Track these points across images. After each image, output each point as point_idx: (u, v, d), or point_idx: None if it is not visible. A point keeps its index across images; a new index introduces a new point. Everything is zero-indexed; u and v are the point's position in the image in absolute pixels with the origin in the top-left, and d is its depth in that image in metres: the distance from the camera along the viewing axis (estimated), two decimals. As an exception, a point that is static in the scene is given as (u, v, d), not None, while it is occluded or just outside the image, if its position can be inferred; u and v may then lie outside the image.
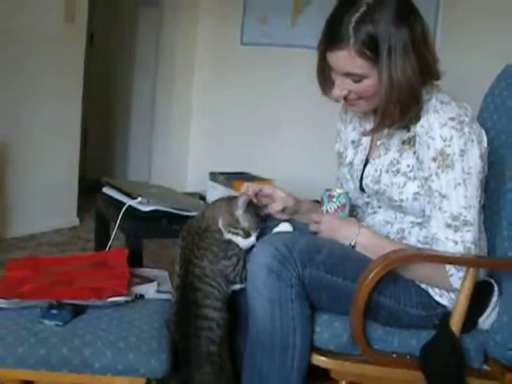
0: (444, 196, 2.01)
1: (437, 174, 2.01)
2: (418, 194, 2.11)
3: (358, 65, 2.01)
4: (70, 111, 5.18)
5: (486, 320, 2.11)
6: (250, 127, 5.36)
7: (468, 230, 2.01)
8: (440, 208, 2.02)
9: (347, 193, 2.26)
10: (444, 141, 1.99)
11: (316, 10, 4.84)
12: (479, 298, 2.07)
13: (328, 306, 2.12)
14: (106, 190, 3.24)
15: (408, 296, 2.10)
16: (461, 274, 2.01)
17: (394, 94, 2.02)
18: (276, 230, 2.23)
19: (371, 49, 1.98)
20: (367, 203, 2.35)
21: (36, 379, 2.03)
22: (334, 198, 2.23)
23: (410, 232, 2.19)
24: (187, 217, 2.63)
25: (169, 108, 5.67)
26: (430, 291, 2.11)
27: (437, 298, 2.11)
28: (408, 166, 2.12)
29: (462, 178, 2.00)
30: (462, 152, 1.99)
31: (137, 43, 6.42)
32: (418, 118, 2.08)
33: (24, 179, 4.88)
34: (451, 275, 2.02)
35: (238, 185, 3.26)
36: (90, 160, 6.39)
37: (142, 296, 2.28)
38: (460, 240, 2.01)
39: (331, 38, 2.04)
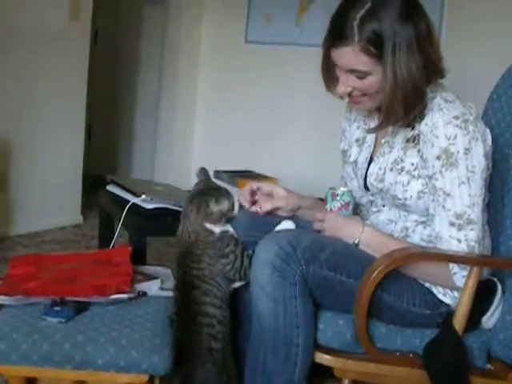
0: (448, 194, 2.01)
1: (441, 172, 2.01)
2: (422, 192, 2.10)
3: (363, 61, 2.01)
4: (74, 109, 5.18)
5: (490, 319, 2.11)
6: (254, 125, 5.36)
7: (472, 229, 2.01)
8: (444, 206, 2.02)
9: (351, 191, 2.26)
10: (448, 139, 1.99)
11: (321, 9, 4.83)
12: (483, 296, 2.07)
13: (331, 303, 2.12)
14: (110, 187, 3.25)
15: (411, 294, 2.10)
16: (464, 273, 2.01)
17: (398, 91, 2.02)
18: (279, 227, 2.23)
19: (376, 46, 1.97)
20: (371, 202, 2.35)
21: (39, 376, 2.04)
22: (337, 196, 2.23)
23: (413, 230, 2.19)
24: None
25: (173, 106, 5.66)
26: (434, 290, 2.11)
27: (440, 296, 2.11)
28: (412, 164, 2.12)
29: (466, 176, 2.00)
30: (467, 150, 1.99)
31: (141, 41, 6.43)
32: (422, 117, 2.08)
33: (28, 177, 4.88)
34: (454, 274, 2.02)
35: (241, 183, 3.27)
36: (94, 158, 6.41)
37: (144, 293, 2.28)
38: (464, 238, 2.01)
39: (336, 34, 2.04)
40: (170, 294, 2.24)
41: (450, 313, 2.08)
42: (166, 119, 5.74)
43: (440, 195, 2.03)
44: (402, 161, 2.15)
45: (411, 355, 2.12)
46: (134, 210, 2.89)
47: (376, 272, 1.96)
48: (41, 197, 4.96)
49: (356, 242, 2.13)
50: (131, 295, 2.19)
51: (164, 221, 2.88)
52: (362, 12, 1.98)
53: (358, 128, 2.38)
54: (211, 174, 3.14)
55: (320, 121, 4.89)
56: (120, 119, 6.70)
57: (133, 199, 2.94)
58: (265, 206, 2.38)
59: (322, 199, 2.36)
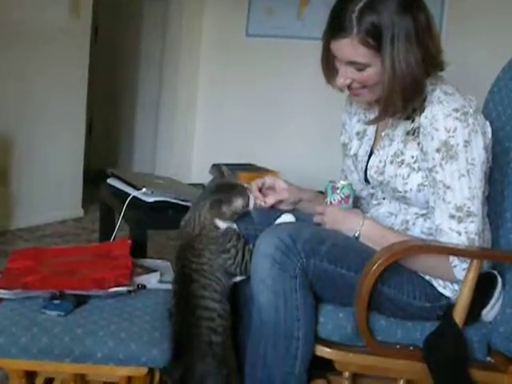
0: (448, 187, 2.01)
1: (441, 165, 2.01)
2: (422, 185, 2.10)
3: (361, 53, 2.01)
4: (74, 104, 5.20)
5: (490, 312, 2.11)
6: (255, 119, 5.36)
7: (472, 221, 2.00)
8: (444, 199, 2.02)
9: (351, 184, 2.26)
10: (448, 132, 1.98)
11: (321, 2, 4.83)
12: (483, 289, 2.07)
13: (332, 296, 2.12)
14: (110, 180, 3.25)
15: (412, 287, 2.09)
16: (464, 266, 2.01)
17: (396, 83, 2.02)
18: (279, 220, 2.23)
19: (374, 38, 1.97)
20: (371, 195, 2.35)
21: (39, 369, 2.04)
22: (337, 189, 2.23)
23: (414, 223, 2.18)
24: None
25: (174, 100, 5.67)
26: (434, 283, 2.11)
27: (440, 289, 2.10)
28: (412, 157, 2.12)
29: (465, 168, 1.99)
30: (466, 143, 1.98)
31: (142, 36, 6.43)
32: (422, 109, 2.07)
33: (29, 171, 4.90)
34: (455, 266, 2.02)
35: (242, 176, 3.26)
36: (94, 152, 6.42)
37: (144, 286, 2.28)
38: (464, 231, 2.00)
39: (335, 26, 2.04)
40: (170, 286, 2.24)
41: (450, 306, 2.08)
42: (167, 114, 5.74)
43: (440, 188, 2.02)
44: (402, 153, 2.14)
45: (411, 348, 2.12)
46: (134, 203, 2.89)
47: (376, 265, 1.95)
48: (42, 191, 4.98)
49: (356, 234, 2.13)
50: (130, 288, 2.19)
51: (164, 214, 2.88)
52: (361, 4, 1.98)
53: (359, 121, 2.38)
54: (209, 167, 3.15)
55: (321, 114, 4.89)
56: (121, 114, 6.71)
57: (133, 192, 2.94)
58: (269, 199, 2.38)
59: (322, 192, 2.36)
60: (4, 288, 2.11)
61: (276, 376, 2.06)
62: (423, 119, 2.07)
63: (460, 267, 2.02)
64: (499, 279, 2.11)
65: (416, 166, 2.11)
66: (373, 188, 2.33)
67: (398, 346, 2.13)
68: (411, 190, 2.13)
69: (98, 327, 1.96)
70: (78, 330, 1.95)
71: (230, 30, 5.49)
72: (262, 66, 5.32)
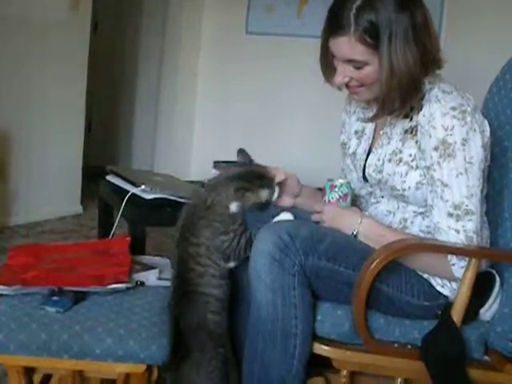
0: (446, 185, 2.01)
1: (438, 163, 2.01)
2: (420, 183, 2.10)
3: (359, 51, 2.01)
4: (74, 99, 5.19)
5: (488, 311, 2.12)
6: (254, 116, 5.36)
7: (470, 219, 2.01)
8: (442, 197, 2.02)
9: (349, 183, 2.26)
10: (445, 130, 1.99)
11: (321, 0, 4.82)
12: (481, 288, 2.07)
13: (330, 294, 2.12)
14: (109, 177, 3.25)
15: (410, 286, 2.10)
16: (462, 264, 2.01)
17: (394, 81, 2.02)
18: (277, 218, 2.23)
19: (372, 36, 1.98)
20: (370, 193, 2.35)
21: (37, 365, 2.04)
22: (336, 187, 2.23)
23: (412, 222, 2.19)
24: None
25: (173, 96, 5.66)
26: (432, 281, 2.11)
27: (439, 288, 2.11)
28: (410, 155, 2.12)
29: (463, 167, 2.00)
30: (464, 141, 1.99)
31: (141, 32, 6.43)
32: (420, 108, 2.08)
33: (28, 167, 4.89)
34: (453, 264, 2.02)
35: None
36: (93, 148, 6.41)
37: (142, 283, 2.28)
38: (462, 229, 2.01)
39: (333, 24, 2.04)
40: (168, 283, 2.24)
41: (448, 304, 2.09)
42: (166, 110, 5.74)
43: (438, 186, 2.03)
44: (400, 152, 2.15)
45: (409, 346, 2.13)
46: (133, 200, 2.89)
47: (375, 263, 1.96)
48: (40, 187, 4.98)
49: (354, 233, 2.13)
50: (129, 285, 2.19)
51: (163, 211, 2.88)
52: (359, 2, 1.98)
53: (357, 120, 2.39)
54: (211, 164, 3.15)
55: (320, 112, 4.89)
56: (120, 110, 6.70)
57: (132, 189, 2.94)
58: (289, 201, 2.40)
59: (320, 189, 2.36)
60: (3, 284, 2.10)
61: (273, 373, 2.06)
62: (421, 117, 2.07)
63: (458, 265, 2.02)
64: (497, 278, 2.12)
65: (414, 164, 2.12)
66: (371, 186, 2.33)
67: (395, 345, 2.13)
68: (409, 188, 2.13)
69: (97, 324, 1.96)
70: (76, 327, 1.95)
71: (229, 28, 5.48)
72: (261, 63, 5.31)
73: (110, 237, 2.95)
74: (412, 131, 2.12)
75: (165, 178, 3.43)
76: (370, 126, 2.32)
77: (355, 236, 2.13)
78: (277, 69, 5.23)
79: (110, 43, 6.60)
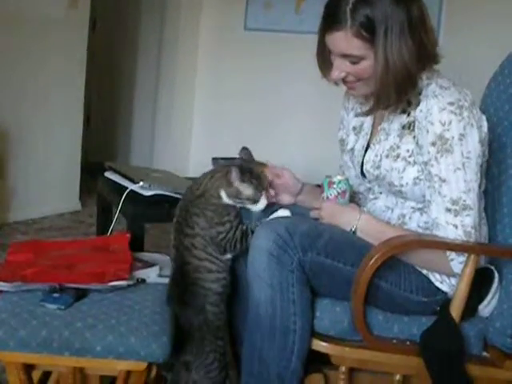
0: (443, 180, 2.01)
1: (436, 158, 2.01)
2: (418, 178, 2.11)
3: (355, 46, 2.02)
4: (72, 96, 5.19)
5: (487, 307, 2.12)
6: (253, 113, 5.36)
7: (468, 214, 2.01)
8: (440, 192, 2.02)
9: (347, 179, 2.27)
10: (443, 125, 1.99)
11: (319, -4, 4.83)
12: (480, 285, 2.08)
13: (328, 291, 2.13)
14: (108, 174, 3.24)
15: (408, 282, 2.10)
16: (461, 259, 2.01)
17: (390, 76, 2.02)
18: (275, 215, 2.22)
19: (368, 30, 1.98)
20: (368, 189, 2.35)
21: (37, 362, 2.04)
22: (334, 184, 2.23)
23: (410, 217, 2.19)
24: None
25: (172, 93, 5.65)
26: (431, 277, 2.12)
27: (437, 284, 2.11)
28: (408, 150, 2.13)
29: (461, 162, 2.00)
30: (461, 136, 1.99)
31: (140, 28, 6.42)
32: (417, 103, 2.08)
33: (26, 163, 4.90)
34: (452, 260, 2.03)
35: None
36: (92, 145, 6.40)
37: (143, 280, 2.29)
38: (460, 224, 2.01)
39: (329, 19, 2.05)
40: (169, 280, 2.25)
41: (447, 300, 2.09)
42: (165, 106, 5.73)
43: (436, 181, 2.03)
44: (397, 147, 2.15)
45: (408, 343, 2.13)
46: (132, 196, 2.89)
47: (373, 259, 1.96)
48: (39, 184, 4.98)
49: (353, 229, 2.13)
50: (130, 282, 2.19)
51: (162, 207, 2.88)
52: None
53: (356, 116, 2.39)
54: (209, 161, 3.15)
55: (319, 108, 4.89)
56: (119, 106, 6.70)
57: (131, 186, 2.93)
58: (283, 198, 2.41)
59: (318, 185, 2.37)
60: (3, 280, 2.11)
61: (272, 370, 2.07)
62: (418, 113, 2.07)
63: (457, 261, 2.02)
64: (496, 274, 2.12)
65: (412, 159, 2.12)
66: (369, 182, 2.33)
67: (394, 341, 2.14)
68: (407, 183, 2.13)
69: (98, 321, 1.97)
70: (77, 324, 1.95)
71: (228, 24, 5.47)
72: (260, 59, 5.31)
73: (109, 233, 2.95)
74: (409, 127, 2.12)
75: (163, 174, 3.43)
76: (368, 122, 2.32)
77: (354, 232, 2.13)
78: (275, 65, 5.23)
79: (108, 40, 6.60)
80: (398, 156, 2.15)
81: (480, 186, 2.09)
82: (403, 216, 2.21)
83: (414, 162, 2.11)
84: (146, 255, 2.54)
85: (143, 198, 2.90)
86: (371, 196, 2.33)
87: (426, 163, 2.05)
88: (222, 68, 5.55)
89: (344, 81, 2.15)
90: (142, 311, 2.05)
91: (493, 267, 2.14)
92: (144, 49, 6.37)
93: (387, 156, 2.18)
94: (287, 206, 2.33)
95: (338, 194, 2.23)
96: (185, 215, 2.19)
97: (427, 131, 2.03)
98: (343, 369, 2.17)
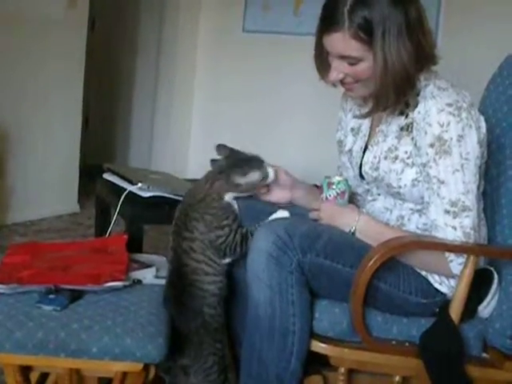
0: (442, 182, 2.00)
1: (434, 159, 2.01)
2: (417, 180, 2.10)
3: (353, 47, 2.01)
4: (71, 97, 5.19)
5: (486, 308, 2.11)
6: (251, 114, 5.36)
7: (467, 216, 2.00)
8: (438, 194, 2.02)
9: (346, 180, 2.26)
10: (441, 126, 1.98)
11: (318, -2, 4.83)
12: (479, 286, 2.07)
13: (328, 292, 2.12)
14: (106, 175, 3.24)
15: (408, 283, 2.10)
16: (460, 260, 2.01)
17: (388, 77, 2.02)
18: (273, 216, 2.22)
19: (366, 32, 1.98)
20: (367, 190, 2.35)
21: (34, 364, 2.04)
22: (333, 185, 2.23)
23: (409, 219, 2.18)
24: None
25: (170, 94, 5.65)
26: (430, 279, 2.11)
27: (436, 285, 2.11)
28: (406, 152, 2.12)
29: (459, 163, 1.99)
30: (460, 137, 1.98)
31: (139, 29, 6.42)
32: (415, 105, 2.08)
33: (25, 165, 4.89)
34: (451, 261, 2.02)
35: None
36: (91, 146, 6.40)
37: (139, 281, 2.28)
38: (459, 226, 2.00)
39: (327, 21, 2.05)
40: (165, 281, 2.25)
41: (446, 302, 2.08)
42: (164, 108, 5.74)
43: (434, 183, 2.02)
44: (396, 149, 2.15)
45: (407, 344, 2.12)
46: (130, 198, 2.89)
47: (372, 260, 1.96)
48: (38, 185, 4.97)
49: (352, 230, 2.13)
50: (126, 283, 2.19)
51: (160, 209, 2.88)
52: None
53: (354, 117, 2.38)
54: (208, 162, 3.15)
55: (317, 109, 4.89)
56: (117, 108, 6.70)
57: (129, 187, 2.93)
58: (273, 195, 2.39)
59: (316, 186, 2.36)
60: (-1, 282, 2.11)
61: (271, 371, 2.06)
62: (416, 114, 2.07)
63: (456, 262, 2.02)
64: (495, 276, 2.11)
65: (410, 161, 2.11)
66: (368, 184, 2.32)
67: (393, 342, 2.13)
68: (405, 185, 2.13)
69: (94, 322, 1.96)
70: (73, 325, 1.95)
71: (226, 26, 5.47)
72: (258, 61, 5.31)
73: (107, 235, 2.94)
74: (408, 128, 2.12)
75: (162, 175, 3.43)
76: (366, 124, 2.32)
77: (353, 233, 2.13)
78: (274, 67, 5.23)
79: (107, 41, 6.59)
80: (396, 157, 2.14)
81: (479, 188, 2.09)
82: (402, 217, 2.20)
83: (413, 164, 2.11)
84: (142, 256, 2.54)
85: (142, 200, 2.90)
86: (370, 197, 2.33)
87: (424, 165, 2.05)
88: (220, 70, 5.55)
89: (342, 82, 2.15)
90: (138, 312, 2.05)
91: (492, 268, 2.13)
92: (143, 50, 6.37)
93: (385, 158, 2.17)
94: (286, 206, 2.32)
95: (337, 194, 2.22)
96: (184, 219, 2.18)
97: (425, 132, 2.02)
98: (342, 370, 2.17)
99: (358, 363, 2.16)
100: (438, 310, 2.10)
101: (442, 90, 2.05)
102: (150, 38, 6.12)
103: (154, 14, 5.96)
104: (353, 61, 2.05)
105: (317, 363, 2.22)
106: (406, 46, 2.00)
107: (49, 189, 5.07)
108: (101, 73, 6.56)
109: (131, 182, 2.98)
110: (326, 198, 2.24)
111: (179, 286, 2.16)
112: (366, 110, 2.27)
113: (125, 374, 2.03)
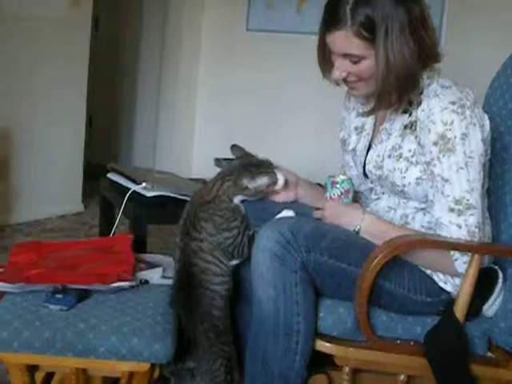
0: (446, 180, 2.00)
1: (438, 158, 2.01)
2: (421, 178, 2.10)
3: (356, 45, 2.02)
4: (75, 96, 5.18)
5: (491, 307, 2.11)
6: (255, 113, 5.36)
7: (471, 214, 2.00)
8: (443, 192, 2.02)
9: (350, 179, 2.26)
10: (445, 125, 1.98)
11: (321, -4, 4.82)
12: (484, 284, 2.07)
13: (332, 291, 2.12)
14: (110, 175, 3.24)
15: (412, 282, 2.10)
16: (465, 259, 2.01)
17: (390, 75, 2.02)
18: (279, 215, 2.22)
19: (368, 30, 1.98)
20: (371, 189, 2.35)
21: (40, 363, 2.04)
22: (337, 183, 2.23)
23: (413, 218, 2.18)
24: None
25: (174, 94, 5.65)
26: (435, 277, 2.11)
27: (441, 284, 2.11)
28: (410, 150, 2.12)
29: (463, 161, 1.99)
30: (464, 135, 1.98)
31: (142, 28, 6.41)
32: (419, 103, 2.08)
33: (29, 165, 4.89)
34: (456, 260, 2.02)
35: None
36: (95, 146, 6.40)
37: (146, 281, 2.29)
38: (464, 224, 2.00)
39: (330, 19, 2.05)
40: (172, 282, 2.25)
41: (451, 301, 2.08)
42: (167, 107, 5.74)
43: (438, 181, 2.02)
44: (399, 147, 2.15)
45: (412, 343, 2.12)
46: (134, 197, 2.89)
47: (377, 259, 1.96)
48: (41, 185, 4.97)
49: (356, 229, 2.13)
50: (133, 283, 2.19)
51: (164, 209, 2.89)
52: None
53: (357, 116, 2.38)
54: (212, 161, 3.15)
55: (321, 108, 4.89)
56: (121, 107, 6.69)
57: (133, 187, 2.93)
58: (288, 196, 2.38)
59: (320, 185, 2.36)
60: (6, 281, 2.11)
61: (276, 370, 2.06)
62: (420, 113, 2.07)
63: (461, 260, 2.02)
64: (500, 274, 2.11)
65: (414, 159, 2.11)
66: (372, 183, 2.33)
67: (398, 341, 2.13)
68: (409, 183, 2.13)
69: (101, 322, 1.97)
70: (80, 325, 1.95)
71: (230, 25, 5.47)
72: (262, 60, 5.31)
73: (112, 235, 2.94)
74: (411, 126, 2.12)
75: (166, 175, 3.43)
76: (369, 122, 2.32)
77: (357, 232, 2.13)
78: (277, 65, 5.23)
79: (111, 40, 6.59)
80: (400, 156, 2.14)
81: (483, 186, 2.08)
82: (406, 216, 2.20)
83: (417, 162, 2.11)
84: (148, 256, 2.54)
85: (146, 200, 2.90)
86: (374, 196, 2.33)
87: (428, 163, 2.05)
88: (224, 69, 5.55)
89: (345, 81, 2.15)
90: (145, 312, 2.05)
91: (497, 267, 2.13)
92: (146, 49, 6.36)
93: (389, 156, 2.17)
94: (290, 205, 2.33)
95: (342, 193, 2.22)
96: (193, 219, 2.18)
97: (429, 131, 2.02)
98: (347, 369, 2.16)
99: (362, 362, 2.16)
100: (442, 308, 2.10)
101: (446, 88, 2.05)
102: (153, 37, 6.11)
103: (158, 13, 5.95)
104: (355, 59, 2.05)
105: (321, 362, 2.22)
106: (409, 44, 2.00)
107: (53, 188, 5.07)
108: (105, 72, 6.55)
109: (135, 182, 2.98)
110: (330, 197, 2.24)
111: (187, 286, 2.16)
112: (368, 107, 2.27)
113: (131, 374, 2.03)
